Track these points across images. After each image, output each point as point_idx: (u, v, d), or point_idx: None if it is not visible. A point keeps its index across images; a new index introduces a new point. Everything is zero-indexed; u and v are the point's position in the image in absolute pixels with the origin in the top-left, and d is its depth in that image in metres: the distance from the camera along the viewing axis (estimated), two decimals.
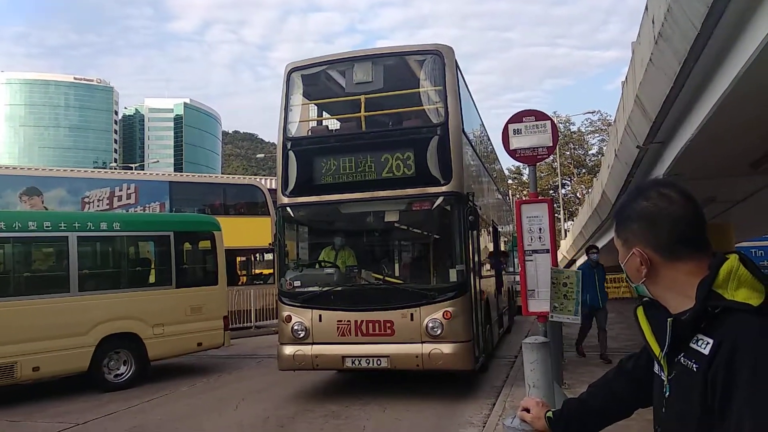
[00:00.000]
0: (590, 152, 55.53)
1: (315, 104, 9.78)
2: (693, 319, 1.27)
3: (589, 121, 54.51)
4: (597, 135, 53.99)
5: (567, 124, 54.13)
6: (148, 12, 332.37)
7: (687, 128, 8.76)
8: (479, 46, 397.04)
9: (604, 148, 43.96)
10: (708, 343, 1.24)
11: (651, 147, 10.59)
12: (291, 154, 8.40)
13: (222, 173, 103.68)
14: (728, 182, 11.58)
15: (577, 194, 53.97)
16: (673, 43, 6.85)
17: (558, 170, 47.24)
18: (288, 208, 8.43)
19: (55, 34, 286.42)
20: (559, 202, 45.96)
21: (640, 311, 1.47)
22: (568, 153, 53.80)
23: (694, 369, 1.26)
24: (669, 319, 1.32)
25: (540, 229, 6.44)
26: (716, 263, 1.29)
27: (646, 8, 8.09)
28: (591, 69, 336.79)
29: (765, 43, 5.09)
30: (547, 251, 6.38)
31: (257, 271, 20.36)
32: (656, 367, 1.43)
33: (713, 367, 1.20)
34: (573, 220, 45.39)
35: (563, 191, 51.37)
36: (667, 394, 1.35)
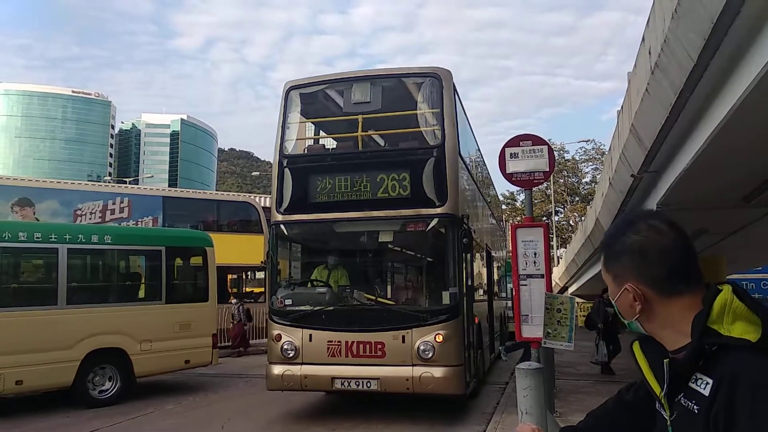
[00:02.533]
0: (584, 180, 55.95)
1: (312, 123, 9.80)
2: (690, 359, 1.23)
3: (583, 149, 55.04)
4: (591, 164, 54.45)
5: (561, 152, 54.55)
6: (152, 29, 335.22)
7: (681, 158, 8.82)
8: (478, 73, 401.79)
9: (598, 176, 44.24)
10: (707, 383, 1.20)
11: (645, 176, 10.64)
12: (287, 171, 8.38)
13: (216, 190, 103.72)
14: (721, 214, 11.62)
15: (570, 222, 54.15)
16: (669, 73, 6.92)
17: (551, 197, 47.46)
18: (282, 226, 8.39)
19: (57, 47, 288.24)
20: (552, 229, 46.09)
21: (636, 347, 1.42)
22: (561, 181, 54.13)
23: (695, 411, 1.22)
24: (665, 361, 1.28)
25: (535, 254, 6.41)
26: (710, 296, 1.25)
27: (643, 39, 8.19)
28: (587, 99, 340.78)
29: (761, 77, 5.14)
30: (542, 276, 6.34)
31: (248, 289, 20.22)
32: (657, 404, 1.39)
33: (714, 409, 1.16)
34: (566, 248, 45.45)
35: (556, 218, 51.53)
36: None
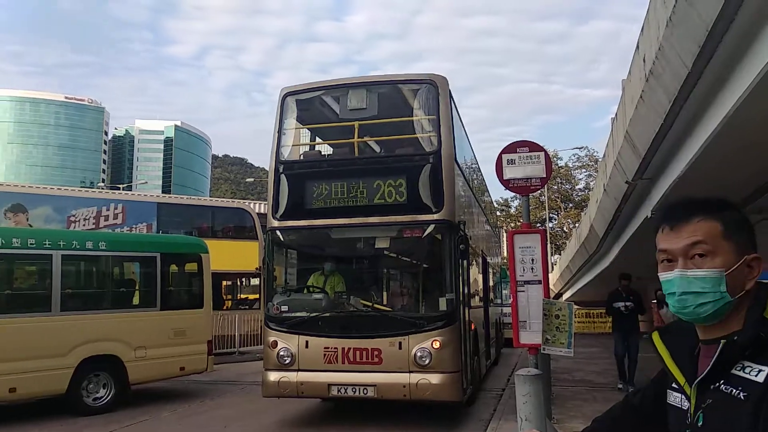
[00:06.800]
0: (577, 187, 56.06)
1: (308, 129, 9.80)
2: (746, 345, 1.24)
3: (576, 156, 55.19)
4: (584, 170, 54.60)
5: (555, 159, 54.64)
6: (147, 35, 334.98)
7: (676, 165, 8.87)
8: (473, 81, 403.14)
9: (592, 183, 44.38)
10: (761, 370, 1.21)
11: (640, 183, 10.70)
12: (283, 177, 8.37)
13: (210, 196, 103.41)
14: None
15: (564, 228, 54.28)
16: (664, 81, 6.97)
17: (545, 204, 47.57)
18: (278, 232, 8.36)
19: (52, 54, 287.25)
20: (546, 236, 46.04)
21: (656, 337, 1.43)
22: (555, 187, 54.24)
23: (742, 397, 1.22)
24: (722, 341, 1.27)
25: (533, 260, 6.41)
26: (764, 290, 1.28)
27: (638, 47, 8.25)
28: (580, 106, 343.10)
29: (756, 83, 5.19)
30: (540, 282, 6.34)
31: (243, 296, 20.12)
32: (672, 398, 1.39)
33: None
34: (560, 254, 45.55)
35: (550, 225, 51.61)
36: (700, 423, 1.29)
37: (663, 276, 1.36)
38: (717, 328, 1.32)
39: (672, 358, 1.38)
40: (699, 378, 1.31)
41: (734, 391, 1.24)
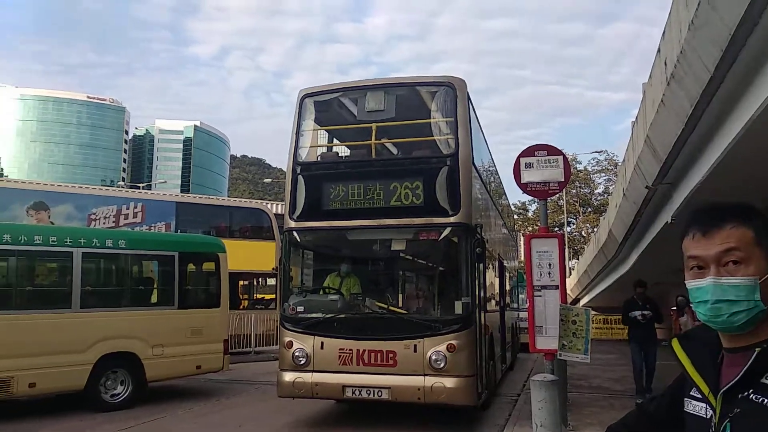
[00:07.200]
0: (596, 191, 55.53)
1: (326, 130, 9.83)
2: None
3: (595, 160, 54.68)
4: (603, 174, 54.05)
5: (574, 162, 54.17)
6: (168, 36, 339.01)
7: (697, 170, 8.75)
8: (491, 83, 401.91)
9: (611, 187, 43.96)
10: None
11: (660, 187, 10.58)
12: (300, 178, 8.40)
13: (228, 196, 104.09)
14: None
15: (582, 233, 53.78)
16: (686, 85, 6.89)
17: (564, 208, 47.20)
18: (295, 233, 8.39)
19: (75, 53, 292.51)
20: (564, 240, 45.59)
21: (676, 344, 1.41)
22: (573, 191, 53.79)
23: None
24: (757, 350, 1.25)
25: (550, 265, 6.36)
26: None
27: (659, 50, 8.16)
28: (600, 109, 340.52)
29: None
30: (557, 287, 6.29)
31: (259, 296, 20.22)
32: (692, 406, 1.36)
33: None
34: (578, 259, 45.15)
35: (568, 229, 51.16)
36: None
37: (694, 284, 1.32)
38: (745, 336, 1.29)
39: (693, 366, 1.35)
40: (726, 386, 1.28)
41: (765, 400, 1.21)
